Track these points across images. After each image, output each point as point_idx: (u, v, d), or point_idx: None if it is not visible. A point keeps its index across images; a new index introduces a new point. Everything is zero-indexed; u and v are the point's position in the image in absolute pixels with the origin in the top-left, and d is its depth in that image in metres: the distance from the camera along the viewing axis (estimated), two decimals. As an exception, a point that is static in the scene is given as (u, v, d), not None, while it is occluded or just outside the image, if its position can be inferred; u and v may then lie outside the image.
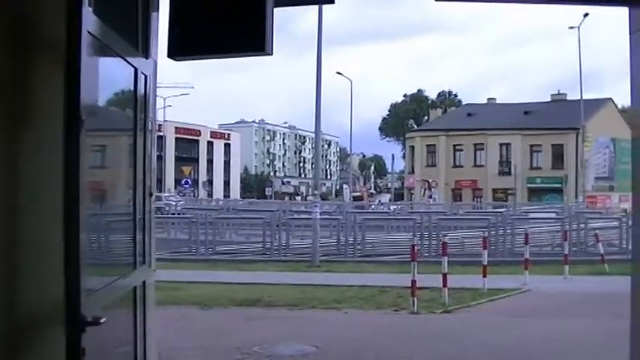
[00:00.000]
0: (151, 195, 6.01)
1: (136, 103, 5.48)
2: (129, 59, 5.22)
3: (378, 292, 21.05)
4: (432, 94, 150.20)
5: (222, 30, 4.95)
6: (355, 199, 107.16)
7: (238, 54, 5.36)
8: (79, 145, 3.96)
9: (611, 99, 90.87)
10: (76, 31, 3.96)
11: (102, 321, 4.05)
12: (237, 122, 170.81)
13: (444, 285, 19.26)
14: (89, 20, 4.08)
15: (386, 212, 57.51)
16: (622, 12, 6.09)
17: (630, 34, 5.93)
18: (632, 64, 5.98)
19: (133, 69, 5.35)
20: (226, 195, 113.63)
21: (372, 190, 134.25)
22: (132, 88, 5.41)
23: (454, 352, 13.76)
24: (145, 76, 5.63)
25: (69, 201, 3.92)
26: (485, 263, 21.71)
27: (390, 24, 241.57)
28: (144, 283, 5.74)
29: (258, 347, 13.74)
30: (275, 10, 4.95)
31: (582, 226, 34.18)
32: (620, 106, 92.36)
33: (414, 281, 18.27)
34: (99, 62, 4.51)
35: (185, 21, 5.00)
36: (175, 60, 5.22)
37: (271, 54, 5.01)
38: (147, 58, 5.69)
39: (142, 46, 5.58)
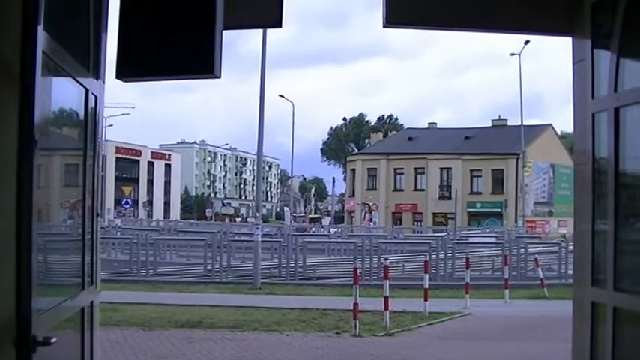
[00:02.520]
0: (97, 216, 6.00)
1: (87, 124, 5.46)
2: (80, 80, 5.21)
3: (320, 315, 21.05)
4: (373, 118, 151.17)
5: (171, 52, 4.96)
6: (312, 220, 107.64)
7: (187, 76, 5.36)
8: (33, 165, 3.95)
9: (550, 125, 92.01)
10: (31, 50, 3.95)
11: (52, 341, 4.03)
12: (178, 143, 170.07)
13: (386, 308, 19.30)
14: (44, 40, 4.08)
15: (326, 235, 57.51)
16: (563, 40, 6.20)
17: (573, 63, 6.04)
18: (574, 92, 6.10)
19: (84, 89, 5.33)
20: (166, 216, 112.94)
21: (312, 215, 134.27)
22: (82, 109, 5.39)
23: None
24: (96, 97, 5.62)
25: (22, 221, 3.90)
26: (427, 287, 21.85)
27: (336, 47, 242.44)
28: (91, 303, 5.72)
29: (202, 370, 13.69)
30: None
31: (522, 250, 34.44)
32: (559, 132, 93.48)
33: (356, 304, 18.28)
34: (52, 82, 4.50)
35: (134, 42, 4.99)
36: (124, 81, 5.21)
37: (219, 76, 5.02)
38: (97, 79, 5.68)
39: (93, 67, 5.57)
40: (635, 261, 5.30)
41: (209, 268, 32.92)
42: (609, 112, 5.40)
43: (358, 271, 21.48)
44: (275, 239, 41.49)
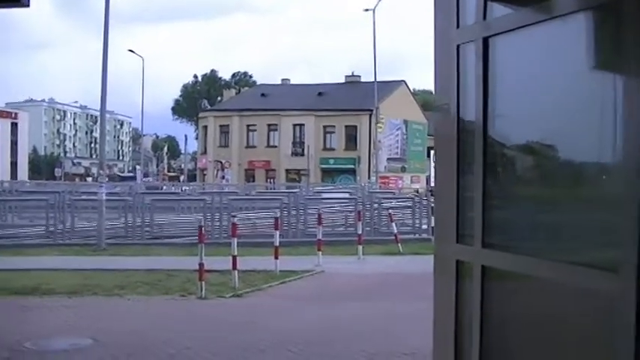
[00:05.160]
0: None
1: None
2: None
3: (165, 277, 20.06)
4: (227, 75, 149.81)
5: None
6: (171, 178, 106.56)
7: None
8: None
9: (404, 81, 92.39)
10: None
11: None
12: (25, 101, 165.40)
13: (234, 268, 18.51)
14: None
15: (176, 193, 56.36)
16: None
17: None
18: (436, 24, 5.23)
19: None
20: (13, 176, 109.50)
21: (169, 173, 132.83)
22: None
23: (242, 339, 12.86)
24: None
25: None
26: (277, 244, 21.15)
27: (192, 2, 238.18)
28: None
29: (30, 342, 12.46)
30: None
31: (376, 206, 34.12)
32: (412, 89, 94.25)
33: (201, 264, 17.35)
34: None
35: None
36: None
37: (28, 5, 4.05)
38: None
39: None
40: (507, 215, 4.47)
41: (52, 229, 31.36)
42: (477, 42, 4.50)
43: (206, 229, 20.65)
44: (121, 197, 39.94)
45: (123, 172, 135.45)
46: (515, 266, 4.02)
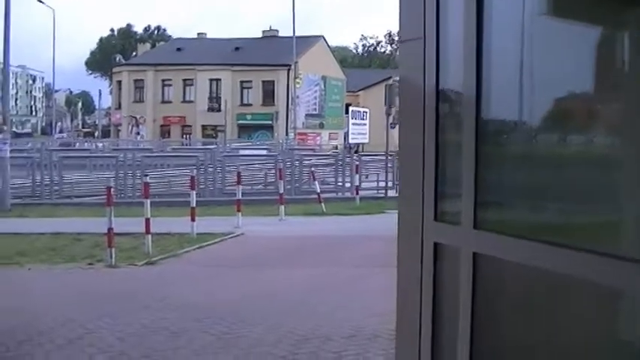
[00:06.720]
0: None
1: None
2: None
3: (72, 241, 18.61)
4: (141, 29, 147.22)
5: None
6: (86, 134, 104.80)
7: None
8: None
9: (322, 37, 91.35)
10: None
11: None
12: None
13: (147, 232, 17.14)
14: None
15: (88, 150, 54.53)
16: None
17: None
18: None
19: None
20: None
21: (84, 129, 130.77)
22: None
23: (155, 318, 11.24)
24: None
25: None
26: (194, 205, 19.93)
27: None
28: None
29: None
30: None
31: (297, 163, 32.99)
32: (330, 46, 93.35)
33: (110, 229, 15.90)
34: None
35: None
36: None
37: None
38: None
39: None
40: (511, 187, 3.18)
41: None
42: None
43: (118, 189, 19.22)
44: (27, 155, 38.02)
45: (79, 128, 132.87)
46: (519, 255, 2.88)
